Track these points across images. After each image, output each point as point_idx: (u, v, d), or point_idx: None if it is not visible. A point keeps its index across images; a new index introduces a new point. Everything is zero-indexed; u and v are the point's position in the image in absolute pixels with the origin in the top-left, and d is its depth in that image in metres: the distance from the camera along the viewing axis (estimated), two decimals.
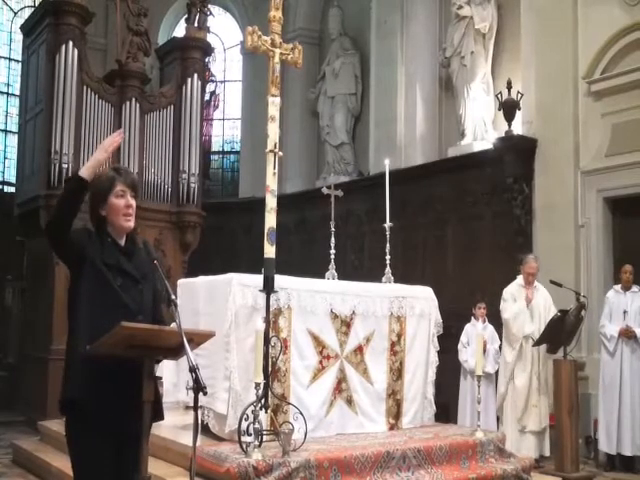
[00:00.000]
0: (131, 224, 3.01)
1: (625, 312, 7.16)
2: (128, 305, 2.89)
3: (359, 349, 5.59)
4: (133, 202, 3.01)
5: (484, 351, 6.88)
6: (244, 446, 4.41)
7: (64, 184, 2.97)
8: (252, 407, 4.47)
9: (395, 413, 5.79)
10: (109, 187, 2.95)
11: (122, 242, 3.03)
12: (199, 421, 2.90)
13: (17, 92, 12.42)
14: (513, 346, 6.99)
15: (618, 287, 7.34)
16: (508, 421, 6.98)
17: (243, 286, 4.98)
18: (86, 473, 2.88)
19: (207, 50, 11.78)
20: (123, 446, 2.87)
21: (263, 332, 4.62)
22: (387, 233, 6.37)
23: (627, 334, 7.05)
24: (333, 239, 6.43)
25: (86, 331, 2.79)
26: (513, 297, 7.05)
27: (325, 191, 6.77)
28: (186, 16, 11.80)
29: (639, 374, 7.06)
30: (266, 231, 4.88)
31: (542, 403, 6.95)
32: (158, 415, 3.02)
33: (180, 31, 13.10)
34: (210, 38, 12.20)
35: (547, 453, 6.96)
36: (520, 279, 7.13)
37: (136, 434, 2.79)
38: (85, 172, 2.84)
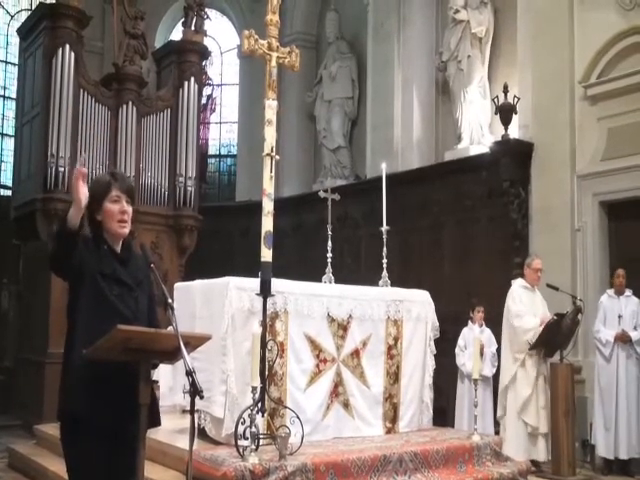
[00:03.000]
0: (126, 230, 3.00)
1: (620, 316, 7.14)
2: (124, 314, 2.89)
3: (356, 353, 5.59)
4: (128, 208, 2.99)
5: (481, 355, 6.87)
6: (241, 450, 4.41)
7: (57, 227, 2.92)
8: (249, 411, 4.47)
9: (392, 417, 5.79)
10: (104, 192, 2.94)
11: (118, 248, 3.02)
12: (196, 425, 2.90)
13: (14, 95, 12.40)
14: (517, 356, 6.88)
15: (611, 291, 7.33)
16: (517, 426, 6.83)
17: (240, 290, 4.98)
18: (82, 477, 2.87)
19: (204, 53, 11.77)
20: (119, 450, 2.86)
21: (260, 336, 4.63)
22: (384, 237, 6.37)
23: (623, 338, 7.04)
24: (330, 243, 6.42)
25: (83, 340, 2.79)
26: (521, 299, 6.99)
27: (322, 195, 6.76)
28: (183, 19, 11.80)
29: (634, 378, 7.05)
30: (263, 234, 4.89)
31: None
32: (155, 421, 3.01)
33: (177, 34, 13.09)
34: (207, 41, 12.22)
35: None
36: (522, 281, 7.11)
37: (132, 438, 2.79)
38: (72, 220, 2.74)
